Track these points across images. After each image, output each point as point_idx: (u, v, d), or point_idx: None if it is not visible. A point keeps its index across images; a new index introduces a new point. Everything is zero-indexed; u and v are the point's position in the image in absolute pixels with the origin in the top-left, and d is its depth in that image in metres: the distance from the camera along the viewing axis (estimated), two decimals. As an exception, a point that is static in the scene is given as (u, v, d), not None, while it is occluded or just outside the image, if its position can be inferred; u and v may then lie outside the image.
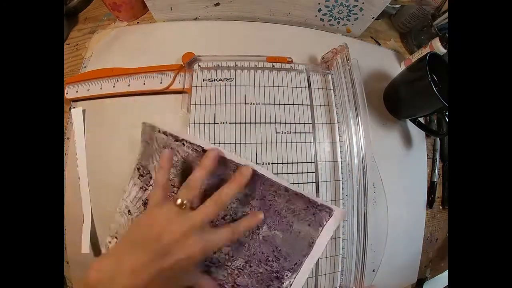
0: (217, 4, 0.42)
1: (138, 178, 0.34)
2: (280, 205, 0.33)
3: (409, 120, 0.41)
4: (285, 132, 0.35)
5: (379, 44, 0.48)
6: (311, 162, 0.35)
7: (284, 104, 0.37)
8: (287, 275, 0.33)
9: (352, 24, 0.44)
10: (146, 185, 0.34)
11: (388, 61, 0.46)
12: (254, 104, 0.36)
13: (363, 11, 0.41)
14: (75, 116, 0.38)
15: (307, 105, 0.37)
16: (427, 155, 0.43)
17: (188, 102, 0.36)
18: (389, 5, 0.40)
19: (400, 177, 0.40)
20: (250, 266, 0.32)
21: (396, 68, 0.45)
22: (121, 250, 0.24)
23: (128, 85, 0.37)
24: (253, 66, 0.38)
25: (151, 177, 0.34)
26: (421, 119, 0.42)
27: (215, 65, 0.37)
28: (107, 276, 0.22)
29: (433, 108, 0.36)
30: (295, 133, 0.36)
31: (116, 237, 0.34)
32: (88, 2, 0.48)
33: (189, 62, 0.37)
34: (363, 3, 0.39)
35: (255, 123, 0.35)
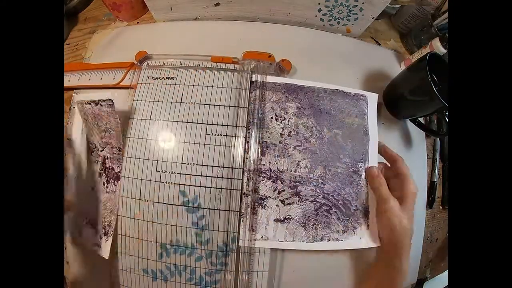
0: (217, 4, 0.42)
1: (91, 155, 0.37)
2: (327, 105, 0.36)
3: (409, 120, 0.41)
4: (215, 134, 0.35)
5: (379, 44, 0.48)
6: (237, 168, 0.34)
7: (219, 105, 0.36)
8: (360, 166, 0.36)
9: (352, 24, 0.44)
10: (97, 157, 0.36)
11: (388, 61, 0.46)
12: (189, 103, 0.36)
13: (363, 11, 0.41)
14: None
15: (243, 107, 0.36)
16: (427, 155, 0.43)
17: (132, 97, 0.37)
18: (389, 5, 0.40)
19: (400, 177, 0.40)
20: (329, 170, 0.35)
21: (396, 68, 0.45)
22: None
23: (89, 79, 0.40)
24: (196, 65, 0.38)
25: (98, 149, 0.36)
26: (421, 119, 0.42)
27: (162, 64, 0.39)
28: None
29: (433, 108, 0.36)
30: (226, 136, 0.35)
31: (86, 217, 0.36)
32: (88, 2, 0.48)
33: (141, 60, 0.39)
34: (363, 3, 0.39)
35: (187, 122, 0.35)
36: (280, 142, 0.35)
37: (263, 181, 0.34)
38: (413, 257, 0.40)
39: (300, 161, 0.35)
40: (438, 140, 0.45)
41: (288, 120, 0.36)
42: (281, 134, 0.35)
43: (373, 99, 0.38)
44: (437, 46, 0.39)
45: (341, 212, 0.35)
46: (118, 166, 0.35)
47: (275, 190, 0.34)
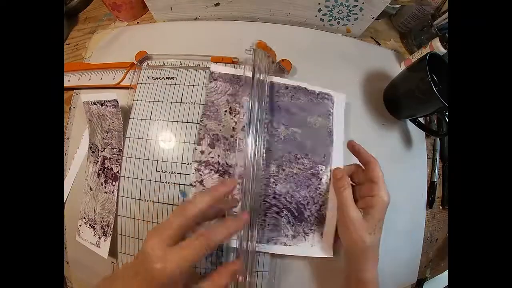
0: (217, 4, 0.42)
1: (92, 155, 0.37)
2: (287, 103, 0.35)
3: (409, 120, 0.41)
4: None
5: (379, 44, 0.48)
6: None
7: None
8: (321, 170, 0.34)
9: (352, 24, 0.44)
10: (97, 157, 0.36)
11: (388, 61, 0.46)
12: (189, 103, 0.36)
13: (363, 11, 0.41)
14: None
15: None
16: (427, 155, 0.43)
17: (132, 97, 0.37)
18: (389, 5, 0.39)
19: (400, 177, 0.40)
20: (283, 170, 0.33)
21: (396, 68, 0.45)
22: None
23: (89, 79, 0.40)
24: (196, 65, 0.38)
25: (99, 150, 0.36)
26: (421, 119, 0.42)
27: (162, 64, 0.39)
28: None
29: (433, 108, 0.36)
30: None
31: (84, 217, 0.36)
32: (88, 2, 0.48)
33: (141, 60, 0.39)
34: (363, 3, 0.39)
35: (187, 122, 0.35)
36: (231, 136, 0.34)
37: (210, 174, 0.33)
38: (413, 257, 0.40)
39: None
40: (438, 140, 0.45)
41: (243, 115, 0.35)
42: (233, 128, 0.35)
43: (340, 98, 0.37)
44: (437, 46, 0.39)
45: (292, 216, 0.33)
46: (117, 167, 0.35)
47: None
